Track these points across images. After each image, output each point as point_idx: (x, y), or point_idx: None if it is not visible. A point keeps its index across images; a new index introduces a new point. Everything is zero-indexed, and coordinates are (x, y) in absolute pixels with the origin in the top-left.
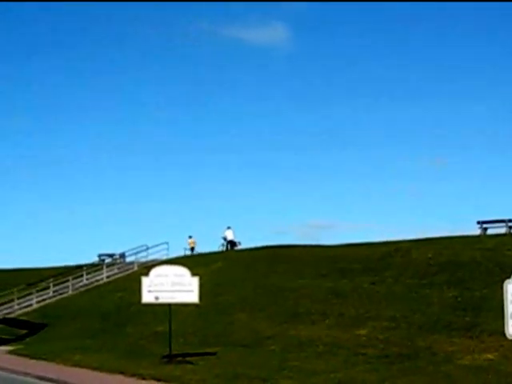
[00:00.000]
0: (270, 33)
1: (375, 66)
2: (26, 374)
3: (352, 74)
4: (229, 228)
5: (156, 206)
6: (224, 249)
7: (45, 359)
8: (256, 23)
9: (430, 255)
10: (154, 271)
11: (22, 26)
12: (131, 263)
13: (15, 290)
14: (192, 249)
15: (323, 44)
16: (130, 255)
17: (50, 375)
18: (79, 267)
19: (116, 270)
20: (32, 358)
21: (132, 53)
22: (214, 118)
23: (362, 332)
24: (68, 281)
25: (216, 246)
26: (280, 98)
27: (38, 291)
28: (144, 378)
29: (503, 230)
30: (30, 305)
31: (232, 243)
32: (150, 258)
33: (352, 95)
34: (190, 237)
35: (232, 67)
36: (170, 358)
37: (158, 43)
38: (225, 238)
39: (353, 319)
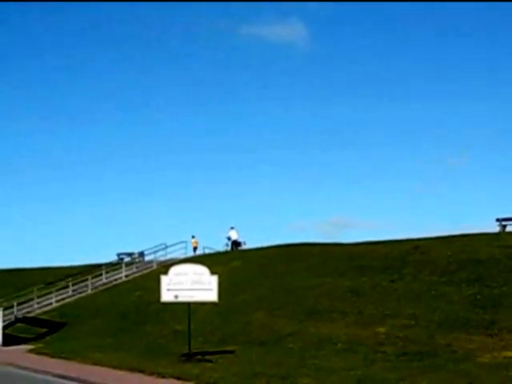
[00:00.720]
0: (288, 31)
1: (391, 66)
2: (46, 373)
3: (371, 73)
4: (232, 228)
5: (174, 205)
6: (228, 249)
7: (64, 358)
8: (275, 21)
9: (449, 253)
10: (173, 270)
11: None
12: (150, 262)
13: (35, 288)
14: (195, 248)
15: (340, 42)
16: (149, 254)
17: (70, 374)
18: (98, 266)
19: (135, 269)
20: (52, 356)
21: (148, 52)
22: (229, 116)
23: (381, 330)
24: (87, 280)
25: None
26: (296, 96)
27: (57, 290)
28: (163, 377)
29: None
30: (50, 304)
31: (236, 243)
32: (169, 256)
33: (370, 94)
34: (193, 236)
35: (245, 65)
36: (189, 357)
37: (174, 41)
38: (229, 238)
39: (372, 317)
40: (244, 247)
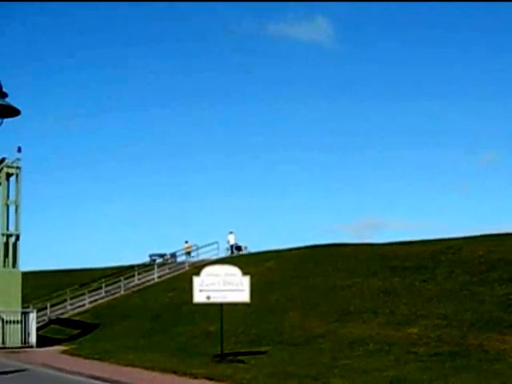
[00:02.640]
0: (314, 29)
1: (417, 65)
2: (80, 374)
3: (399, 72)
4: (231, 233)
5: (206, 206)
6: (229, 253)
7: (98, 359)
8: (301, 20)
9: (481, 252)
10: (205, 271)
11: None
12: (182, 263)
13: (68, 290)
14: (188, 253)
15: (366, 41)
16: (181, 255)
17: (103, 375)
18: (131, 267)
19: (167, 270)
20: (85, 357)
21: (173, 51)
22: (258, 116)
23: (414, 330)
24: (120, 281)
25: (264, 246)
26: (323, 95)
27: (90, 291)
28: (196, 378)
29: None
30: (83, 305)
31: (236, 247)
32: (201, 257)
33: (396, 93)
34: (186, 242)
35: (271, 64)
36: (222, 357)
37: (200, 40)
38: (228, 242)
39: (404, 317)
40: (245, 251)
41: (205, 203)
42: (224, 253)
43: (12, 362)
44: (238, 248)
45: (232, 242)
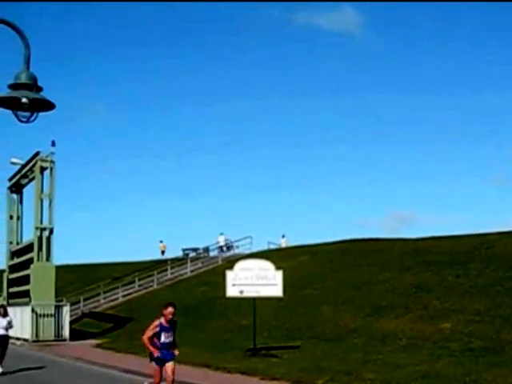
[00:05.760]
0: (341, 19)
1: (446, 58)
2: (113, 368)
3: (429, 62)
4: (221, 234)
5: (240, 202)
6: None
7: (131, 353)
8: (328, 9)
9: None
10: (239, 265)
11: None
12: (215, 257)
13: (101, 284)
14: (163, 252)
15: (394, 30)
16: (214, 249)
17: (135, 368)
18: (164, 261)
19: (200, 264)
20: (118, 351)
21: (200, 42)
22: (289, 108)
23: (446, 325)
24: (153, 275)
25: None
26: (355, 86)
27: (123, 285)
28: (229, 372)
29: None
30: (116, 298)
31: (227, 246)
32: (234, 252)
33: (429, 85)
34: (161, 241)
35: (299, 54)
36: (255, 352)
37: (226, 31)
38: (218, 242)
39: (437, 312)
40: (235, 251)
41: (239, 199)
42: (258, 247)
43: (46, 356)
44: (228, 247)
45: (222, 242)
